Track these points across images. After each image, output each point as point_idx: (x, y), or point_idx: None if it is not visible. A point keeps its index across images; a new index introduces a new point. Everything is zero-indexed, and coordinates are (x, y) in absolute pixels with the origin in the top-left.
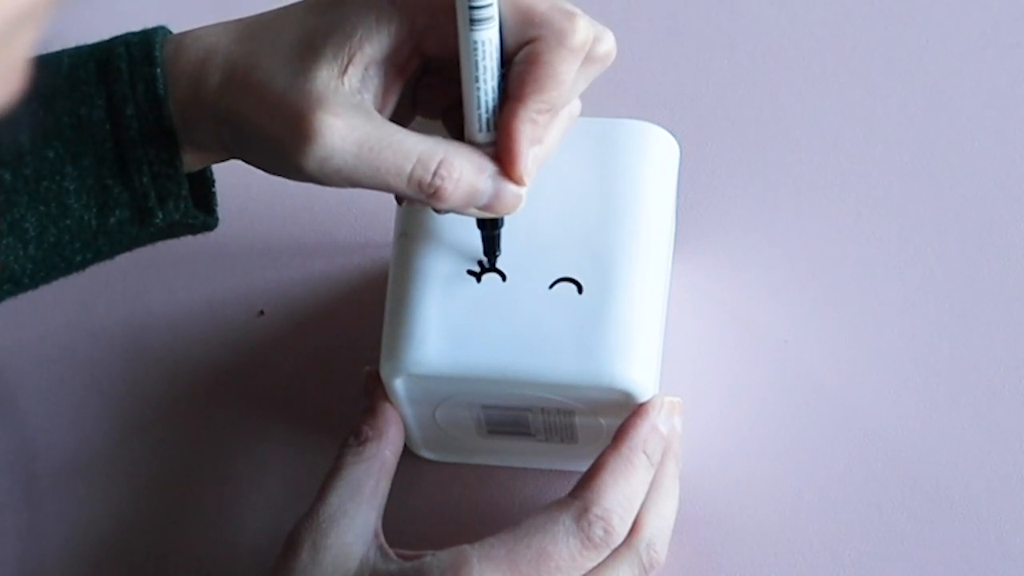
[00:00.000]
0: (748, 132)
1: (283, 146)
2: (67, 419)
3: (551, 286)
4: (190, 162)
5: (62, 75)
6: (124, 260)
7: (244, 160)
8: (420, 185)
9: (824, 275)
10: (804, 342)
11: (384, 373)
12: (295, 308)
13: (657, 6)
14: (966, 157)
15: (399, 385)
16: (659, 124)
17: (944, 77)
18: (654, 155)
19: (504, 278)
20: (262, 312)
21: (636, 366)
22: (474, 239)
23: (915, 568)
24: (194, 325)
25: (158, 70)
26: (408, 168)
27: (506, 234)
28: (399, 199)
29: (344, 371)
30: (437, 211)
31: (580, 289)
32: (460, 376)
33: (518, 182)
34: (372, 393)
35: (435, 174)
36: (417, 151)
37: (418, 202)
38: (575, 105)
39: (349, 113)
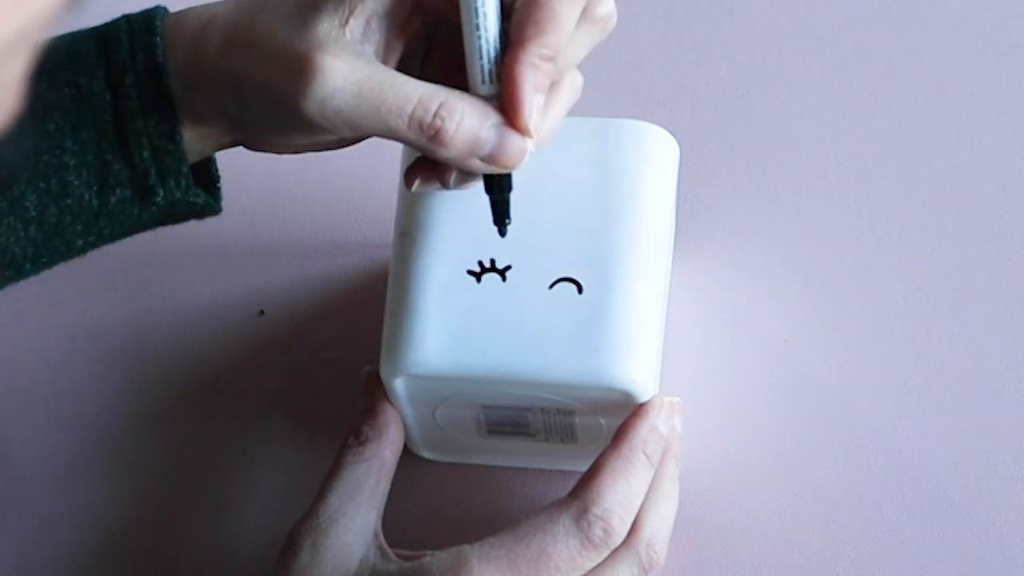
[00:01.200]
0: (748, 132)
1: (283, 92)
2: (66, 418)
3: (551, 286)
4: (191, 139)
5: (63, 50)
6: (124, 259)
7: (244, 133)
8: (421, 126)
9: (824, 275)
10: (804, 342)
11: (384, 373)
12: (295, 308)
13: (657, 6)
14: (966, 157)
15: (399, 385)
16: (659, 124)
17: (944, 77)
18: (654, 155)
19: (504, 278)
20: (262, 312)
21: (636, 366)
22: (474, 239)
23: (915, 568)
24: (194, 325)
25: (158, 39)
26: (409, 108)
27: (505, 233)
28: (408, 180)
29: (344, 371)
30: (442, 164)
31: (580, 289)
32: (460, 376)
33: (522, 131)
34: (372, 393)
35: (436, 115)
36: (418, 92)
37: (419, 149)
38: (577, 77)
39: (350, 57)
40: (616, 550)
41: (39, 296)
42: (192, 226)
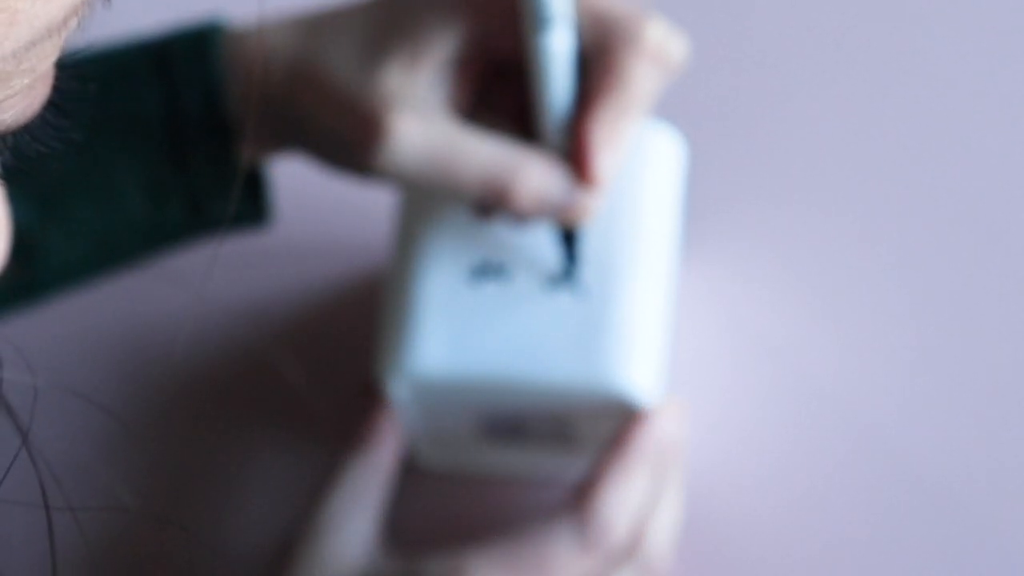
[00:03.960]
0: (759, 131)
1: (352, 145)
2: (65, 419)
3: (551, 289)
4: (247, 155)
5: (117, 68)
6: None
7: (304, 153)
8: (491, 190)
9: (838, 279)
10: (815, 351)
11: (382, 378)
12: (294, 309)
13: None
14: (975, 161)
15: (397, 389)
16: (665, 122)
17: (962, 81)
18: (659, 155)
19: (504, 281)
20: (261, 313)
21: (638, 373)
22: (474, 240)
23: (916, 570)
24: (193, 325)
25: (216, 64)
26: (479, 173)
27: (505, 236)
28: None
29: (343, 373)
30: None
31: (581, 292)
32: (459, 380)
33: (593, 188)
34: (370, 397)
35: (506, 180)
36: (489, 156)
37: (492, 208)
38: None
39: (421, 114)
40: (618, 559)
41: None
42: None
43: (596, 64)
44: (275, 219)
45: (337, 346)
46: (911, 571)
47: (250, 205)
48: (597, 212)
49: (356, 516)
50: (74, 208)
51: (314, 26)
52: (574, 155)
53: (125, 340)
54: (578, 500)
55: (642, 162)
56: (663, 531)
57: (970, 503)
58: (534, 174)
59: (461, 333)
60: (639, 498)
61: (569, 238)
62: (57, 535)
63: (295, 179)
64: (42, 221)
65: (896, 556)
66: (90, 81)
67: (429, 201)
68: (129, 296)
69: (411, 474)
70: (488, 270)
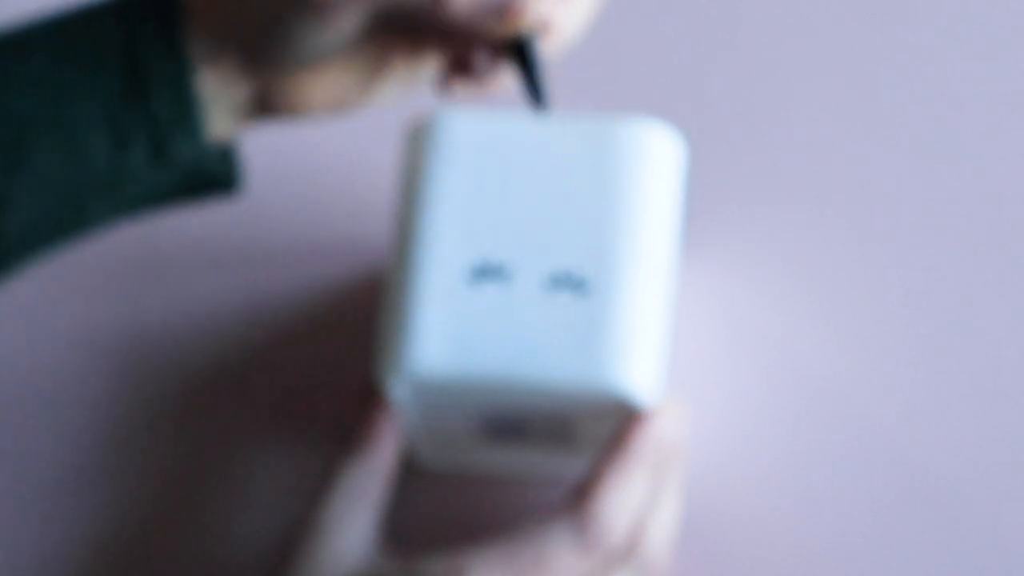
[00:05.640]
0: (760, 131)
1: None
2: (64, 420)
3: (551, 289)
4: (207, 90)
5: (75, 9)
6: (121, 260)
7: (262, 68)
8: None
9: (837, 281)
10: (815, 350)
11: (382, 377)
12: (294, 309)
13: None
14: (986, 166)
15: (397, 390)
16: (663, 121)
17: (962, 82)
18: (658, 154)
19: (504, 280)
20: (261, 313)
21: (638, 373)
22: (474, 239)
23: (915, 569)
24: (192, 326)
25: None
26: None
27: (505, 236)
28: (441, 87)
29: (343, 373)
30: (449, 31)
31: (581, 292)
32: (458, 380)
33: None
34: (370, 397)
35: None
36: None
37: (426, 20)
38: None
39: None
40: (617, 559)
41: (35, 299)
42: (188, 226)
43: None
44: (246, 187)
45: (337, 346)
46: (911, 571)
47: (220, 164)
48: (537, 15)
49: (356, 516)
50: (36, 156)
51: None
52: None
53: (121, 343)
54: (577, 500)
55: (642, 162)
56: (662, 531)
57: (970, 503)
58: None
59: (461, 333)
60: (638, 498)
61: (525, 60)
62: (54, 535)
63: (295, 179)
64: (3, 172)
65: (896, 555)
66: (50, 16)
67: (429, 200)
68: (125, 298)
69: (411, 474)
70: (488, 270)
